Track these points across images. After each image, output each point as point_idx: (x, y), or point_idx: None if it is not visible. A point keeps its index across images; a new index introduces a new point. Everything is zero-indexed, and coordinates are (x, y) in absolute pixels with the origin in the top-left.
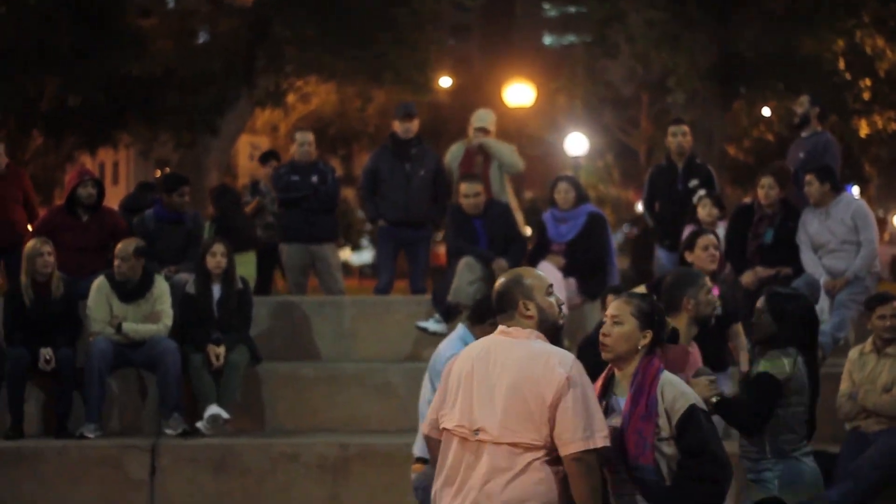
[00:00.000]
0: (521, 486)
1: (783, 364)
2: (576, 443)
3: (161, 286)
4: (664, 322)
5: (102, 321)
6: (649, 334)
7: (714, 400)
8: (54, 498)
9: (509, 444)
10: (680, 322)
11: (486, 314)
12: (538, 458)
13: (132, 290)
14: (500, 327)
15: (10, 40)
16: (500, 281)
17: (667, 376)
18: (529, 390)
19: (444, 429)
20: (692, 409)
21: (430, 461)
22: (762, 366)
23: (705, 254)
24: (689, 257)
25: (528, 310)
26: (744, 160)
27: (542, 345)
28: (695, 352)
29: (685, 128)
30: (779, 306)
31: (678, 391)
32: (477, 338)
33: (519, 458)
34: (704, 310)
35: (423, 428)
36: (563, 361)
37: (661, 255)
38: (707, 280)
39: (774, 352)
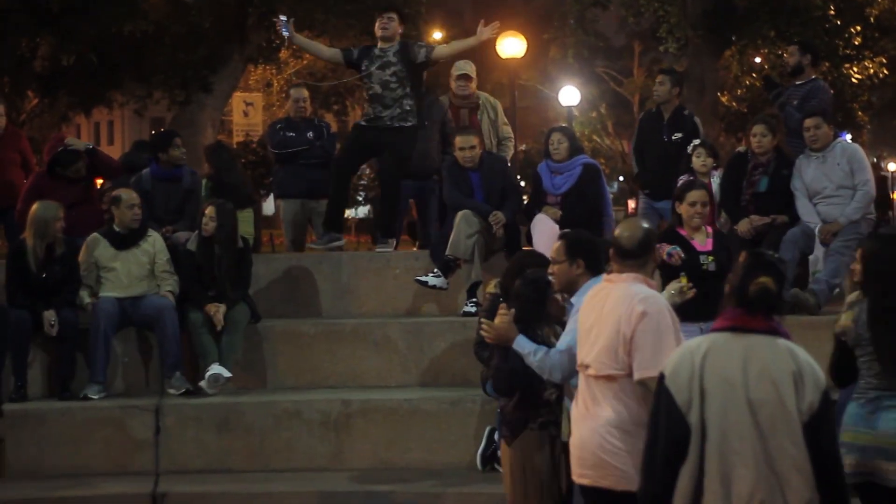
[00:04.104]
0: (615, 410)
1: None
2: (639, 371)
3: (157, 242)
4: None
5: (87, 270)
6: None
7: None
8: (60, 459)
9: (605, 376)
10: None
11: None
12: (628, 386)
13: (127, 238)
14: (605, 275)
15: (2, 0)
16: (639, 232)
17: None
18: (616, 327)
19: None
20: None
21: None
22: None
23: (692, 210)
24: (678, 208)
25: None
26: (736, 108)
27: (638, 287)
28: None
29: (666, 77)
30: None
31: None
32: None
33: (613, 386)
34: None
35: None
36: (644, 299)
37: (641, 201)
38: None
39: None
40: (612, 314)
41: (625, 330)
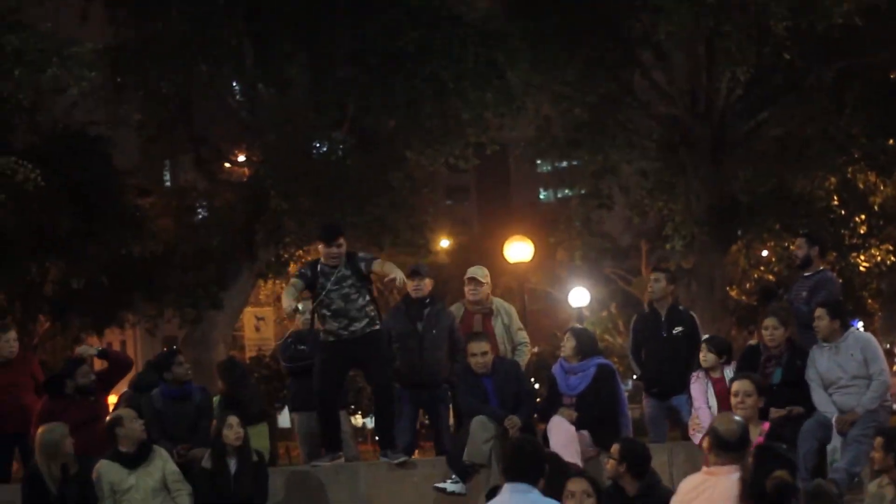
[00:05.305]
0: None
1: None
2: None
3: (163, 454)
4: None
5: (109, 500)
6: None
7: None
8: None
9: None
10: None
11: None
12: None
13: (136, 457)
14: (705, 468)
15: (11, 226)
16: (736, 426)
17: None
18: None
19: None
20: None
21: None
22: None
23: (735, 400)
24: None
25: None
26: (746, 302)
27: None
28: None
29: (661, 274)
30: None
31: None
32: (544, 493)
33: None
34: None
35: None
36: None
37: (647, 404)
38: None
39: None
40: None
41: None
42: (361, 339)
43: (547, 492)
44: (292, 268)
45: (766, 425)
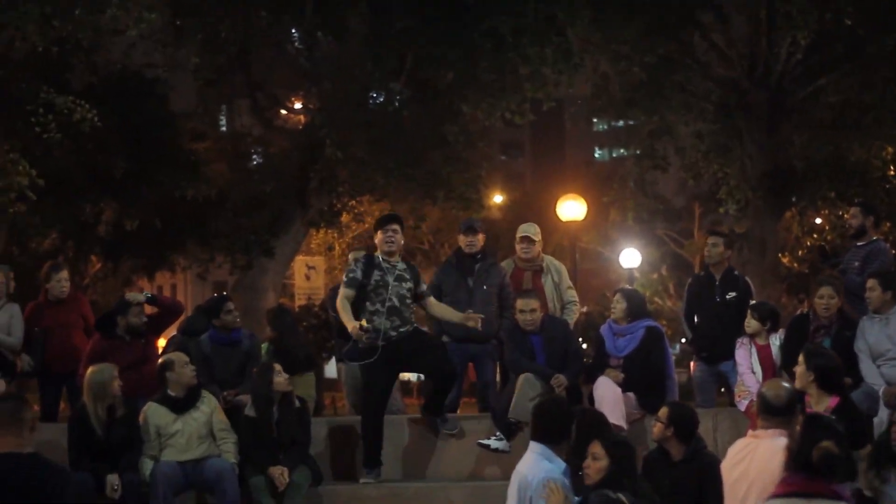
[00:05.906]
0: None
1: None
2: None
3: (212, 401)
4: None
5: (154, 442)
6: None
7: None
8: None
9: None
10: None
11: (564, 433)
12: None
13: (184, 401)
14: (751, 432)
15: (67, 166)
16: (784, 391)
17: None
18: (772, 480)
19: None
20: None
21: None
22: None
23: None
24: None
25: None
26: (798, 269)
27: (783, 442)
28: None
29: (719, 239)
30: None
31: None
32: (559, 455)
33: None
34: None
35: None
36: None
37: (697, 368)
38: None
39: None
40: (763, 469)
41: None
42: (411, 335)
43: (580, 450)
44: (344, 217)
45: (834, 401)
